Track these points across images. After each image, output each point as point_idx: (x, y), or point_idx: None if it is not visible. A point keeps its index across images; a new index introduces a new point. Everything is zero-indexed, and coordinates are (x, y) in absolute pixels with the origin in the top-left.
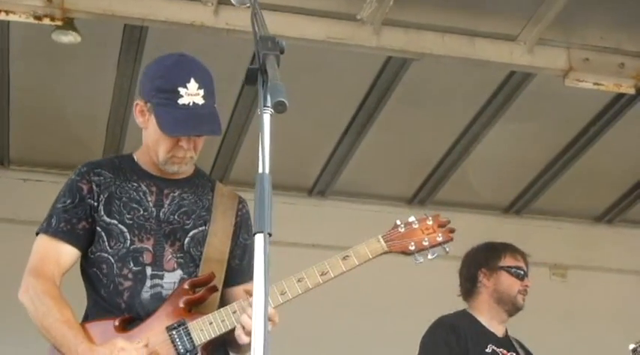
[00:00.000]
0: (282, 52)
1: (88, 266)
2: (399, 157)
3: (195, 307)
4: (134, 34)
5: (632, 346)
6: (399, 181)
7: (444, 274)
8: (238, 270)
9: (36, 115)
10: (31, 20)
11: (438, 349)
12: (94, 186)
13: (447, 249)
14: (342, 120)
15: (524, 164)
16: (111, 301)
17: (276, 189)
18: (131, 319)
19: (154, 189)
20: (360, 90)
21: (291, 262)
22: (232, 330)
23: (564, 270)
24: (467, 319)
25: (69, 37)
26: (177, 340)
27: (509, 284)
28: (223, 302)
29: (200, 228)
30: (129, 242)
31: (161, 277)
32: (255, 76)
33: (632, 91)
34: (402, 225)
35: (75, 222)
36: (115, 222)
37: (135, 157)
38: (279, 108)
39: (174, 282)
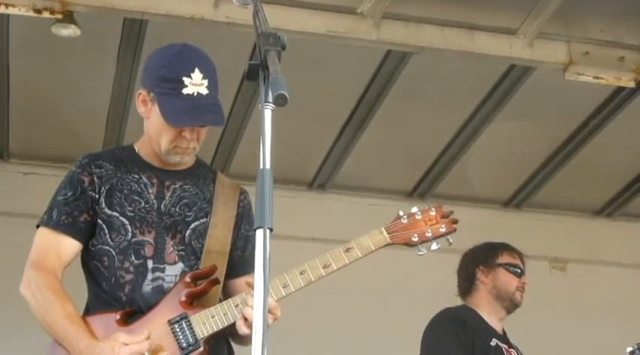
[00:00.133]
0: (283, 48)
1: (89, 259)
2: (399, 151)
3: (197, 300)
4: (134, 28)
5: (629, 349)
6: (398, 175)
7: (444, 267)
8: (240, 262)
9: (35, 109)
10: (31, 13)
11: (445, 340)
12: (95, 178)
13: (451, 240)
14: (342, 113)
15: (524, 158)
16: (112, 294)
17: (276, 183)
18: (133, 312)
19: (155, 180)
20: (360, 84)
21: (291, 256)
22: (235, 323)
23: (564, 264)
24: (470, 313)
25: (68, 31)
26: (180, 333)
27: (507, 280)
28: (225, 294)
29: (201, 220)
30: (130, 234)
31: (162, 270)
32: (256, 71)
33: (632, 85)
34: (405, 217)
35: (76, 214)
36: (117, 214)
37: (136, 148)
38: (279, 101)
39: (176, 275)
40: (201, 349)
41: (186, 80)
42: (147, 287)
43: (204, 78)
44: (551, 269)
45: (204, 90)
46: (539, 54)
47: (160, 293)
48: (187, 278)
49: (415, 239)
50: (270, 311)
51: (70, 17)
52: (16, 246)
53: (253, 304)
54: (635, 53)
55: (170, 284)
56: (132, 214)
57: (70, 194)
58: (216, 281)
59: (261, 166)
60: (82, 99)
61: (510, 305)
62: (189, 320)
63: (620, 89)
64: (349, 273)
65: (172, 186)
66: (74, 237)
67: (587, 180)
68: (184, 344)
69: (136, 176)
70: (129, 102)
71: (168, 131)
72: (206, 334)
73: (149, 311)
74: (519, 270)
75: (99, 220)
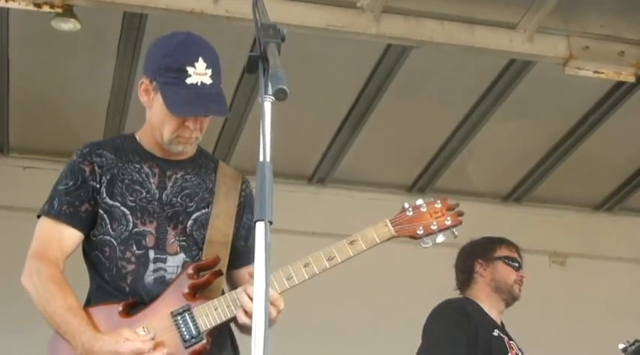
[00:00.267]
0: (283, 40)
1: (90, 249)
2: (399, 145)
3: (200, 291)
4: (134, 22)
5: (621, 345)
6: (398, 169)
7: (445, 262)
8: (243, 252)
9: (35, 103)
10: (31, 7)
11: (449, 329)
12: (96, 168)
13: (456, 233)
14: (342, 107)
15: (524, 152)
16: (115, 284)
17: (276, 177)
18: (135, 303)
19: (156, 170)
20: (359, 78)
21: (290, 250)
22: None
23: (564, 258)
24: (472, 304)
25: (68, 25)
26: (183, 326)
27: (505, 273)
28: (229, 284)
29: (203, 211)
30: (131, 225)
31: (164, 261)
32: (256, 63)
33: (632, 79)
34: (410, 209)
35: (77, 204)
36: (118, 204)
37: (137, 137)
38: (280, 95)
39: (178, 266)
40: (204, 341)
41: (189, 69)
42: (149, 277)
43: (207, 67)
44: (550, 263)
45: (207, 80)
46: (539, 48)
47: (162, 284)
48: (190, 270)
49: (420, 232)
50: (272, 303)
51: (70, 11)
52: (15, 240)
53: (252, 293)
54: (635, 48)
55: (172, 275)
56: (133, 204)
57: (70, 183)
58: (219, 273)
59: (261, 159)
60: (82, 93)
61: (509, 298)
62: (192, 313)
63: (620, 84)
64: (349, 269)
65: (174, 176)
66: (75, 227)
67: (587, 175)
68: (187, 337)
69: (138, 165)
70: (129, 96)
71: (171, 120)
72: (209, 326)
73: (151, 303)
74: (517, 263)
75: (100, 210)
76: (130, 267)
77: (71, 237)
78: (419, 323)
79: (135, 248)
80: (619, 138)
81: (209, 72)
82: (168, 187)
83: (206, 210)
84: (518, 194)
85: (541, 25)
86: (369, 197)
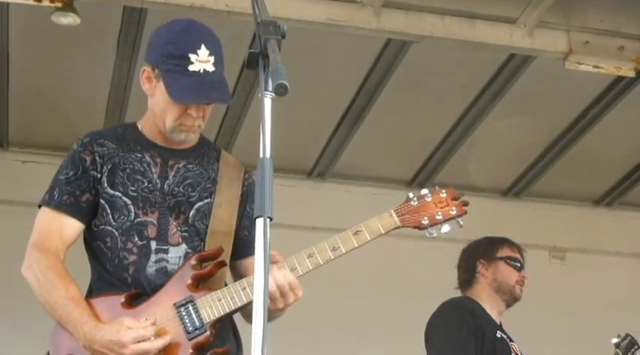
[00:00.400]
0: (283, 37)
1: (91, 239)
2: (399, 140)
3: (203, 282)
4: (134, 16)
5: (614, 340)
6: (398, 164)
7: (445, 257)
8: (247, 241)
9: (35, 97)
10: (31, 2)
11: (455, 328)
12: (97, 157)
13: (461, 223)
14: (342, 102)
15: (524, 147)
16: (117, 275)
17: (275, 172)
18: (138, 295)
19: (158, 160)
20: (359, 73)
21: (290, 244)
22: (241, 307)
23: (563, 253)
24: (474, 303)
25: (68, 19)
26: (186, 317)
27: (507, 273)
28: (234, 275)
29: (205, 201)
30: (133, 215)
31: (166, 251)
32: (256, 60)
33: (631, 74)
34: (415, 199)
35: (78, 194)
36: (119, 194)
37: (139, 126)
38: (280, 90)
39: (180, 257)
40: (208, 333)
41: (192, 57)
42: (150, 268)
43: (210, 54)
44: (550, 258)
45: (210, 68)
46: (539, 43)
47: (164, 275)
48: (193, 261)
49: (425, 222)
50: (292, 290)
51: (70, 6)
52: (15, 234)
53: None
54: (634, 42)
55: (174, 266)
56: (135, 194)
57: (71, 173)
58: (222, 264)
59: (262, 155)
60: (82, 87)
61: (510, 299)
62: (195, 304)
63: (620, 78)
64: (349, 264)
65: (176, 166)
66: (76, 217)
67: (587, 170)
68: (190, 328)
69: (139, 155)
70: (128, 90)
71: (173, 108)
72: (212, 318)
73: (154, 294)
74: (519, 264)
75: (101, 200)
76: (132, 258)
77: (72, 227)
78: (419, 319)
79: (136, 238)
80: (619, 133)
81: (212, 59)
82: (170, 177)
83: (209, 199)
84: (517, 189)
85: (541, 20)
86: (368, 192)
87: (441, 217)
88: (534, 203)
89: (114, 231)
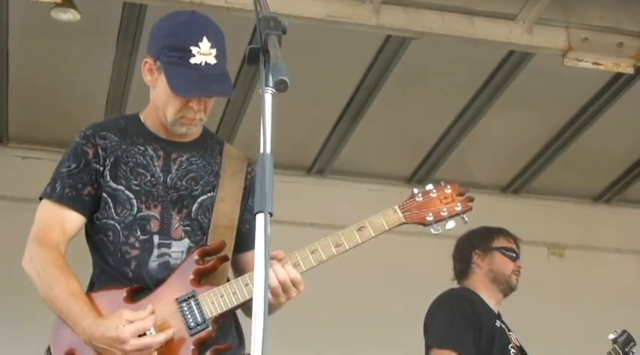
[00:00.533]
0: (284, 32)
1: (93, 233)
2: (398, 136)
3: (206, 277)
4: (133, 12)
5: (611, 336)
6: (397, 160)
7: (444, 252)
8: (249, 235)
9: (35, 93)
10: None
11: (454, 318)
12: (99, 150)
13: (466, 219)
14: (341, 99)
15: (523, 143)
16: (118, 269)
17: (275, 168)
18: (139, 289)
19: (161, 153)
20: (359, 69)
21: (289, 241)
22: (244, 303)
23: (562, 250)
24: (472, 294)
25: (68, 15)
26: (188, 313)
27: (503, 263)
28: (235, 269)
29: (208, 194)
30: (136, 209)
31: (168, 246)
32: (256, 55)
33: (630, 71)
34: (420, 194)
35: (80, 187)
36: (122, 187)
37: (141, 118)
38: (280, 86)
39: (182, 251)
40: (209, 329)
41: (194, 49)
42: (153, 263)
43: (212, 47)
44: (549, 255)
45: (212, 60)
46: (538, 40)
47: (167, 269)
48: (196, 255)
49: (430, 218)
50: (295, 286)
51: (70, 1)
52: (15, 230)
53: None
54: (634, 39)
55: (177, 260)
56: (137, 188)
57: (73, 166)
58: (225, 258)
59: (262, 151)
60: (82, 83)
61: (506, 289)
62: (197, 299)
63: (619, 75)
64: (349, 259)
65: (179, 159)
66: (78, 210)
67: (586, 166)
68: (192, 324)
69: (142, 148)
70: (128, 86)
71: (174, 101)
72: (215, 314)
73: (156, 289)
74: (515, 254)
75: (103, 193)
76: (134, 253)
77: (73, 220)
78: (419, 314)
79: (139, 233)
80: (618, 130)
81: (213, 52)
82: (173, 170)
83: (211, 193)
84: (517, 185)
85: (540, 17)
86: (368, 188)
87: (445, 213)
88: (533, 199)
89: (116, 225)
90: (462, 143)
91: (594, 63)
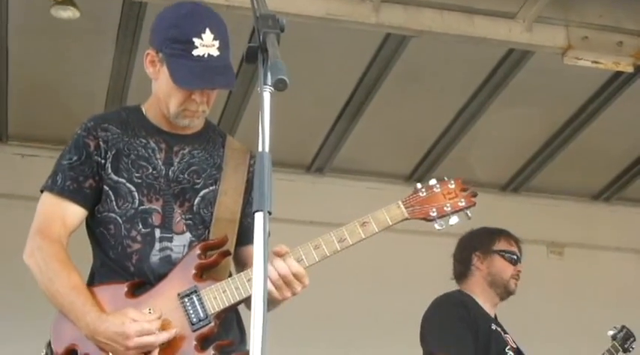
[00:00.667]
0: (282, 31)
1: (95, 226)
2: (398, 134)
3: (208, 272)
4: (133, 10)
5: (610, 332)
6: (397, 158)
7: (443, 250)
8: (249, 229)
9: (34, 90)
10: None
11: (451, 324)
12: (101, 143)
13: (470, 214)
14: (341, 97)
15: (522, 142)
16: (120, 263)
17: (274, 166)
18: (141, 283)
19: (163, 145)
20: (358, 67)
21: (288, 239)
22: (247, 298)
23: (561, 248)
24: (468, 297)
25: (68, 13)
26: (190, 308)
27: (502, 268)
28: (237, 262)
29: (210, 188)
30: (137, 202)
31: (170, 240)
32: (255, 54)
33: (630, 69)
34: (423, 190)
35: (81, 180)
36: (123, 180)
37: (143, 110)
38: (279, 85)
39: (184, 245)
40: (212, 324)
41: (196, 41)
42: (154, 257)
43: (215, 39)
44: (548, 253)
45: (215, 52)
46: (538, 38)
47: (168, 263)
48: (198, 250)
49: (433, 214)
50: (299, 279)
51: None
52: (14, 227)
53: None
54: (633, 38)
55: (178, 254)
56: (139, 181)
57: (75, 158)
58: (227, 253)
59: (260, 149)
60: (81, 81)
61: (504, 293)
62: (199, 295)
63: (619, 74)
64: (348, 257)
65: (181, 152)
66: (79, 203)
67: (585, 165)
68: (195, 320)
69: (144, 140)
70: (128, 84)
71: (177, 93)
72: (217, 309)
73: (158, 283)
74: (515, 257)
75: (105, 186)
76: (136, 246)
77: (75, 213)
78: (418, 312)
79: (141, 226)
80: (617, 128)
81: (216, 43)
82: (175, 163)
83: (214, 187)
84: (516, 184)
85: (540, 15)
86: (367, 186)
87: (449, 209)
88: (533, 198)
89: (118, 218)
90: (462, 141)
91: (594, 61)
